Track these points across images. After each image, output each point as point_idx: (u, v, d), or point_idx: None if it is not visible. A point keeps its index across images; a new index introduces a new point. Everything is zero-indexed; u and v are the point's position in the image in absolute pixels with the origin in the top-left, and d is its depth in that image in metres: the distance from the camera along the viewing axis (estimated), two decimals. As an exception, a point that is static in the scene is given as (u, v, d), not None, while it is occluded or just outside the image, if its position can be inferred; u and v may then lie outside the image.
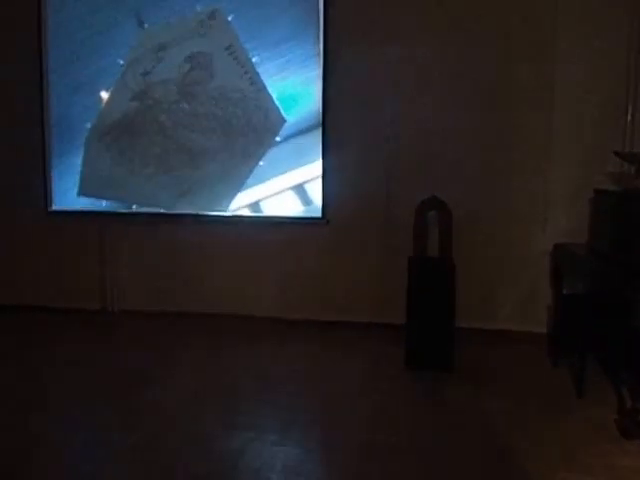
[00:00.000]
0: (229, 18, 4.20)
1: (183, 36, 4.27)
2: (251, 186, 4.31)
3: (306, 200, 4.23)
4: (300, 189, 4.23)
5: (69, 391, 3.16)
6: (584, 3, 3.74)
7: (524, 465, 2.38)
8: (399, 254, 3.72)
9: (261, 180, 4.28)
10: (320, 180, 4.17)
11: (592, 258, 3.12)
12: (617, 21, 3.68)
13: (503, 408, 2.90)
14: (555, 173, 3.85)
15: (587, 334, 3.02)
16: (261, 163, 4.26)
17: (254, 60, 4.19)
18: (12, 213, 4.61)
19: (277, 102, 4.20)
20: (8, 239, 4.63)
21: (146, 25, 4.31)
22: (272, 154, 4.24)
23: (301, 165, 4.21)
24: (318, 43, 4.08)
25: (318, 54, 4.08)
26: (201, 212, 4.39)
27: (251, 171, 4.28)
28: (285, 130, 4.21)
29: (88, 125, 4.47)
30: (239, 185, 4.32)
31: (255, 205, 4.33)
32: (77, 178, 4.53)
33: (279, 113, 4.20)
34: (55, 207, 4.57)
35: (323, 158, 4.13)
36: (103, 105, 4.44)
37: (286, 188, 4.25)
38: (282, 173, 4.24)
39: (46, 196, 4.54)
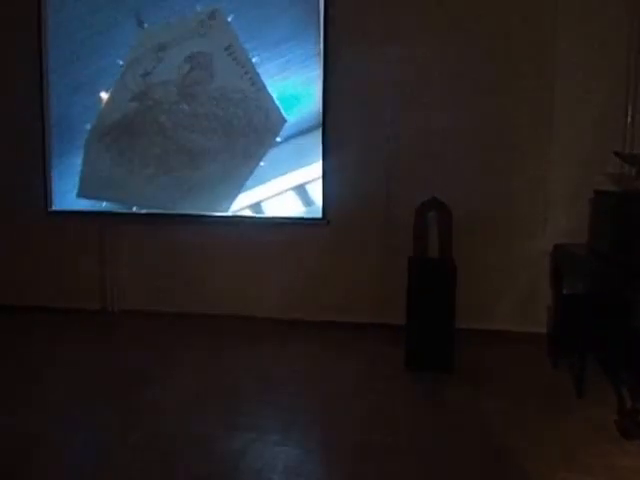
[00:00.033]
0: (229, 18, 4.20)
1: (183, 36, 4.27)
2: (252, 187, 4.30)
3: (307, 201, 4.22)
4: (301, 190, 4.23)
5: (69, 391, 3.16)
6: (584, 3, 3.74)
7: (524, 465, 2.38)
8: (399, 254, 3.72)
9: (262, 181, 4.28)
10: (321, 181, 4.17)
11: (592, 259, 3.12)
12: (617, 21, 3.68)
13: (503, 408, 2.90)
14: (555, 173, 3.86)
15: (587, 334, 3.02)
16: (262, 164, 4.26)
17: (254, 60, 4.19)
18: (12, 213, 4.61)
19: (278, 102, 4.19)
20: (8, 239, 4.63)
21: (146, 25, 4.31)
22: (273, 155, 4.24)
23: (302, 166, 4.20)
24: (318, 43, 4.08)
25: (318, 54, 4.08)
26: (201, 212, 4.39)
27: (252, 172, 4.28)
28: (286, 130, 4.20)
29: (88, 126, 4.47)
30: (240, 186, 4.31)
31: (256, 206, 4.32)
32: (77, 179, 4.53)
33: (279, 113, 4.20)
34: (55, 207, 4.57)
35: (323, 158, 4.13)
36: (103, 106, 4.44)
37: (287, 189, 4.25)
38: (283, 174, 4.23)
39: (46, 196, 4.54)
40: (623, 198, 3.05)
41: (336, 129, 4.11)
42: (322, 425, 2.84)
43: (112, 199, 4.51)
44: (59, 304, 4.55)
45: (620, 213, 2.95)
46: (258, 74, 4.19)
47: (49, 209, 4.56)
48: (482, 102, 3.91)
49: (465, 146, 3.96)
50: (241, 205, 4.34)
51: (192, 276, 4.42)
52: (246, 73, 4.20)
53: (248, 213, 4.34)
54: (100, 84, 4.41)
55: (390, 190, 4.08)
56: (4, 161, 4.59)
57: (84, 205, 4.55)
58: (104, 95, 4.43)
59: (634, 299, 2.62)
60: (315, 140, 4.14)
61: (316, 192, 4.20)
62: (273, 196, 4.28)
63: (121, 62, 4.36)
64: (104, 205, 4.53)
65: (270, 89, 4.20)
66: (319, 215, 4.20)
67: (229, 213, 4.35)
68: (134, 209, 4.51)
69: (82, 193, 4.55)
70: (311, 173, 4.19)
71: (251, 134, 4.27)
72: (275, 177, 4.25)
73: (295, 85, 4.16)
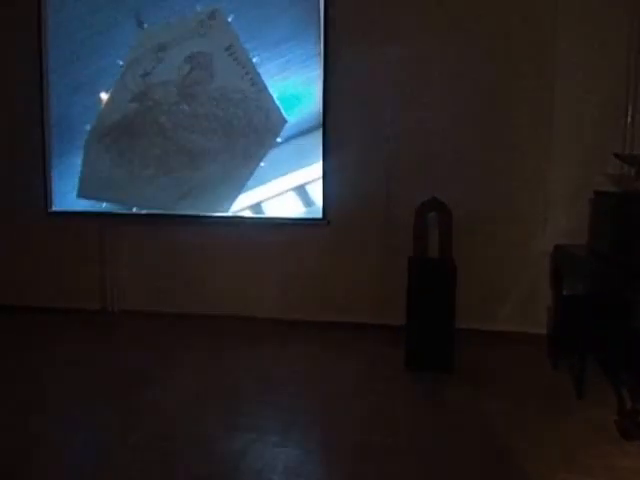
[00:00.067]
0: (229, 18, 4.20)
1: (183, 36, 4.26)
2: (252, 188, 4.29)
3: (308, 201, 4.22)
4: (302, 190, 4.22)
5: (69, 391, 3.16)
6: (584, 3, 3.74)
7: (524, 466, 2.38)
8: (399, 255, 3.72)
9: (262, 182, 4.27)
10: (321, 181, 4.16)
11: (592, 259, 3.12)
12: (617, 21, 3.67)
13: (503, 409, 2.90)
14: (555, 173, 3.85)
15: (587, 335, 3.02)
16: (262, 164, 4.25)
17: (254, 60, 4.18)
18: (12, 213, 4.62)
19: (278, 102, 4.19)
20: (8, 239, 4.63)
21: (145, 25, 4.31)
22: (273, 155, 4.23)
23: (302, 166, 4.19)
24: (319, 43, 4.07)
25: (319, 54, 4.08)
26: (202, 213, 4.38)
27: (252, 172, 4.27)
28: (286, 131, 4.20)
29: (88, 127, 4.46)
30: (240, 187, 4.31)
31: (257, 207, 4.32)
32: (77, 180, 4.52)
33: (280, 114, 4.19)
34: (55, 208, 4.57)
35: (323, 159, 4.13)
36: (103, 106, 4.44)
37: (287, 189, 4.24)
38: (283, 174, 4.23)
39: (46, 196, 4.54)
40: (623, 199, 3.05)
41: (336, 129, 4.11)
42: (322, 425, 2.84)
43: (112, 200, 4.51)
44: (59, 304, 4.56)
45: (620, 214, 2.95)
46: (259, 74, 4.19)
47: (49, 209, 4.56)
48: (482, 102, 3.91)
49: (465, 146, 3.96)
50: (241, 206, 4.33)
51: (192, 276, 4.42)
52: (247, 73, 4.20)
53: (248, 214, 4.34)
54: (100, 84, 4.41)
55: (390, 190, 4.08)
56: (4, 161, 4.59)
57: (84, 205, 4.55)
58: (104, 96, 4.42)
59: (634, 300, 2.62)
60: (316, 140, 4.14)
61: (316, 193, 4.19)
62: (274, 197, 4.27)
63: (121, 62, 4.36)
64: (104, 206, 4.53)
65: (270, 89, 4.19)
66: (319, 215, 4.20)
67: (229, 213, 4.35)
68: (134, 210, 4.51)
69: (82, 194, 4.55)
70: (311, 174, 4.18)
71: (251, 134, 4.26)
72: (275, 178, 4.25)
73: (295, 85, 4.16)
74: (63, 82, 4.46)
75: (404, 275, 3.45)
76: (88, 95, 4.43)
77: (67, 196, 4.55)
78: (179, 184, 4.40)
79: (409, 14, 3.96)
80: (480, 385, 3.22)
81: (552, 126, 3.83)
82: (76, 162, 4.51)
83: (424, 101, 3.97)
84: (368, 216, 4.13)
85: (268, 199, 4.28)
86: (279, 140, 4.22)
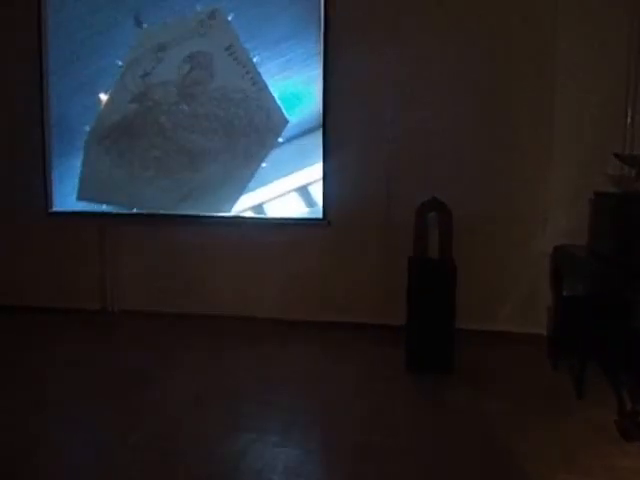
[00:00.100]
0: (229, 17, 4.18)
1: (183, 36, 4.25)
2: (254, 189, 4.27)
3: (310, 202, 4.20)
4: (304, 191, 4.21)
5: (69, 391, 3.16)
6: (584, 3, 3.73)
7: (524, 466, 2.38)
8: (399, 255, 3.71)
9: (264, 182, 4.25)
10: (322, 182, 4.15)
11: (592, 260, 3.12)
12: (617, 21, 3.67)
13: (503, 409, 2.90)
14: (555, 173, 3.85)
15: (587, 336, 3.02)
16: (264, 165, 4.23)
17: (255, 60, 4.17)
18: (12, 213, 4.62)
19: (279, 102, 4.17)
20: (8, 240, 4.63)
21: (145, 25, 4.29)
22: (275, 156, 4.21)
23: (305, 167, 4.18)
24: (319, 42, 4.06)
25: (319, 53, 4.06)
26: (202, 213, 4.38)
27: (253, 173, 4.25)
28: (288, 131, 4.18)
29: (87, 128, 4.45)
30: (241, 188, 4.28)
31: (259, 208, 4.30)
32: (76, 181, 4.51)
33: (281, 113, 4.18)
34: (55, 208, 4.57)
35: (324, 159, 4.13)
36: (102, 107, 4.43)
37: (290, 190, 4.22)
38: (285, 175, 4.21)
39: (46, 196, 4.54)
40: (623, 199, 3.05)
41: (336, 129, 4.11)
42: (322, 426, 2.84)
43: (112, 202, 4.50)
44: (59, 304, 4.56)
45: (620, 214, 2.95)
46: (259, 74, 4.17)
47: (49, 209, 4.56)
48: (482, 102, 3.91)
49: (465, 146, 3.96)
50: (243, 207, 4.32)
51: (192, 276, 4.42)
52: (247, 73, 4.18)
53: (248, 214, 4.33)
54: (100, 85, 4.41)
55: (390, 190, 4.08)
56: (4, 161, 4.59)
57: (84, 205, 4.54)
58: (103, 96, 4.41)
59: (634, 300, 2.62)
60: (318, 140, 4.13)
61: (319, 193, 4.18)
62: (276, 198, 4.25)
63: (120, 63, 4.35)
64: (104, 206, 4.52)
65: (271, 89, 4.17)
66: (320, 216, 4.19)
67: (229, 213, 4.34)
68: (134, 210, 4.50)
69: (81, 196, 4.53)
70: (314, 174, 4.17)
71: (252, 134, 4.24)
72: (277, 178, 4.23)
73: (297, 84, 4.14)
74: (63, 82, 4.45)
75: (404, 275, 3.45)
76: (88, 95, 4.43)
77: (67, 198, 4.54)
78: (179, 186, 4.39)
79: (409, 14, 3.96)
80: (480, 385, 3.22)
81: (552, 126, 3.83)
82: (76, 164, 4.50)
83: (424, 101, 3.97)
84: (368, 216, 4.13)
85: (270, 200, 4.27)
86: (281, 140, 4.20)
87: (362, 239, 4.16)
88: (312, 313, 4.25)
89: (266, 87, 4.18)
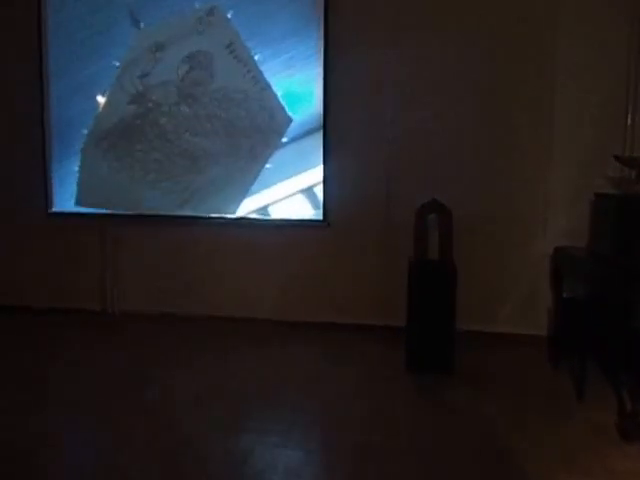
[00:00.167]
0: (228, 15, 4.13)
1: (181, 35, 4.19)
2: (258, 191, 4.23)
3: (317, 204, 4.17)
4: (310, 192, 4.17)
5: (69, 391, 3.16)
6: (584, 3, 3.73)
7: (524, 467, 2.38)
8: (400, 256, 3.71)
9: (269, 184, 4.20)
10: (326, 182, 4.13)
11: (592, 261, 3.12)
12: (617, 21, 3.67)
13: (503, 410, 2.90)
14: (555, 173, 3.85)
15: (587, 337, 3.02)
16: (268, 166, 4.19)
17: (256, 58, 4.12)
18: (12, 214, 4.61)
19: (283, 101, 4.12)
20: (9, 240, 4.63)
21: (142, 24, 4.25)
22: (279, 157, 4.17)
23: (310, 167, 4.14)
24: (319, 40, 4.02)
25: (320, 51, 4.03)
26: (202, 214, 4.36)
27: (257, 175, 4.20)
28: (292, 131, 4.14)
29: (85, 131, 4.42)
30: (245, 190, 4.24)
31: (264, 210, 4.26)
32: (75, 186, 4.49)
33: (285, 112, 4.13)
34: (55, 209, 4.57)
35: (324, 160, 4.11)
36: (100, 109, 4.39)
37: (296, 192, 4.18)
38: (291, 176, 4.16)
39: (47, 197, 4.53)
40: (623, 201, 3.05)
41: (337, 130, 4.10)
42: (322, 426, 2.84)
43: (112, 208, 4.46)
44: (60, 305, 4.55)
45: (620, 216, 2.95)
46: (261, 72, 4.12)
47: (49, 210, 4.56)
48: (482, 102, 3.90)
49: (465, 146, 3.95)
50: (247, 210, 4.27)
51: (192, 277, 4.42)
52: (248, 71, 4.13)
53: (249, 215, 4.30)
54: (100, 85, 4.38)
55: (390, 191, 4.08)
56: (4, 161, 4.58)
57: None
58: (101, 98, 4.36)
59: (634, 301, 2.62)
60: (321, 141, 4.11)
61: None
62: (281, 199, 4.21)
63: (117, 63, 4.31)
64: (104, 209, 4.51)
65: (274, 87, 4.12)
66: (320, 217, 4.18)
67: (230, 215, 4.33)
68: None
69: (81, 201, 4.50)
70: (319, 175, 4.13)
71: (255, 135, 4.19)
72: (282, 180, 4.19)
73: (300, 82, 4.09)
74: (63, 82, 4.44)
75: (404, 276, 3.45)
76: (89, 96, 4.40)
77: (67, 203, 4.52)
78: (181, 189, 4.34)
79: (409, 14, 3.96)
80: (480, 386, 3.22)
81: (552, 126, 3.83)
82: (75, 169, 4.46)
83: (424, 101, 3.97)
84: (368, 217, 4.13)
85: (275, 202, 4.23)
86: (285, 140, 4.16)
87: (362, 240, 4.16)
88: (312, 314, 4.25)
89: (268, 86, 4.12)
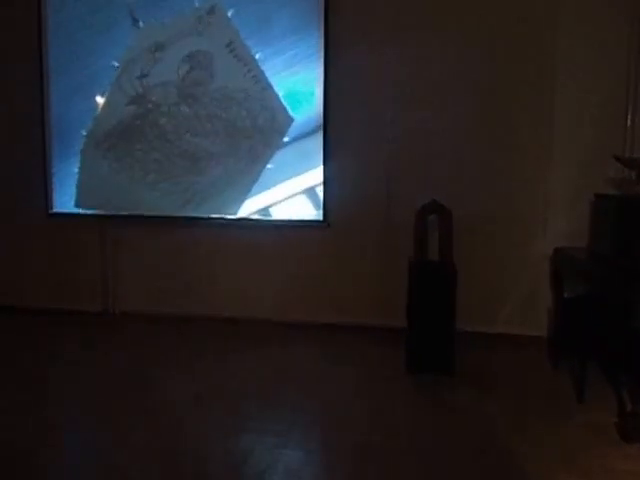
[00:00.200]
0: (229, 13, 4.12)
1: (181, 34, 4.18)
2: (260, 192, 4.21)
3: (318, 204, 4.16)
4: (312, 193, 4.16)
5: (69, 391, 3.16)
6: (584, 3, 3.73)
7: (524, 467, 2.38)
8: (399, 255, 3.71)
9: (270, 185, 4.19)
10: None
11: (592, 262, 3.12)
12: (617, 21, 3.67)
13: (503, 411, 2.90)
14: (555, 174, 3.85)
15: (587, 337, 3.02)
16: (269, 166, 4.18)
17: (257, 57, 4.11)
18: (12, 214, 4.62)
19: (285, 100, 4.10)
20: (9, 241, 4.63)
21: (141, 24, 4.24)
22: (281, 157, 4.16)
23: (312, 168, 4.13)
24: (320, 40, 4.01)
25: (320, 51, 4.02)
26: (202, 215, 4.36)
27: (259, 175, 4.19)
28: (294, 130, 4.12)
29: (84, 133, 4.41)
30: (246, 191, 4.22)
31: (265, 211, 4.25)
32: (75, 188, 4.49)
33: (286, 112, 4.12)
34: (55, 209, 4.56)
35: (324, 160, 4.11)
36: (99, 110, 4.38)
37: (298, 192, 4.17)
38: (292, 177, 4.15)
39: (47, 197, 4.53)
40: (623, 202, 3.05)
41: (337, 130, 4.10)
42: (322, 426, 2.84)
43: (112, 209, 4.45)
44: (60, 305, 4.55)
45: (621, 217, 2.95)
46: (262, 71, 4.11)
47: (50, 210, 4.56)
48: (482, 102, 3.91)
49: (465, 146, 3.95)
50: (249, 211, 4.26)
51: (193, 278, 4.42)
52: (249, 71, 4.12)
53: (255, 217, 4.29)
54: (101, 85, 4.37)
55: (390, 191, 4.08)
56: (4, 161, 4.59)
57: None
58: (100, 99, 4.36)
59: (634, 302, 2.62)
60: (321, 142, 4.10)
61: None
62: (283, 200, 4.20)
63: (116, 64, 4.30)
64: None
65: (276, 87, 4.11)
66: (320, 218, 4.18)
67: (230, 215, 4.32)
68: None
69: (80, 203, 4.49)
70: (321, 176, 4.13)
71: (256, 135, 4.18)
72: (284, 180, 4.18)
73: (302, 81, 4.08)
74: (63, 82, 4.43)
75: (404, 276, 3.45)
76: (89, 96, 4.39)
77: (66, 205, 4.53)
78: (182, 190, 4.33)
79: (409, 14, 3.96)
80: (480, 386, 3.22)
81: (552, 126, 3.83)
82: (74, 171, 4.45)
83: (424, 101, 3.97)
84: (368, 218, 4.13)
85: (277, 203, 4.22)
86: (286, 140, 4.14)
87: (362, 241, 4.16)
88: (312, 314, 4.25)
89: (269, 85, 4.11)
